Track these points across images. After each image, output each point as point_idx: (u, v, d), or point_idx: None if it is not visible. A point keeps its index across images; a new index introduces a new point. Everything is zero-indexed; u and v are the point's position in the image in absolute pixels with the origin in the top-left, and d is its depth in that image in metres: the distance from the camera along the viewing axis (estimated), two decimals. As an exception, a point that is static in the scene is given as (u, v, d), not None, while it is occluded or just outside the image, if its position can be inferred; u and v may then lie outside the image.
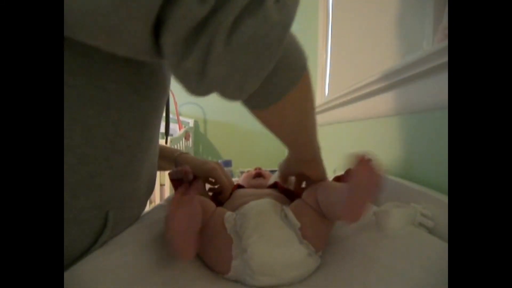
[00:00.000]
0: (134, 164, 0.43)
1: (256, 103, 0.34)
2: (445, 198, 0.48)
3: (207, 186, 0.71)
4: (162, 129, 0.59)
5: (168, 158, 0.72)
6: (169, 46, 0.25)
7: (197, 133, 3.13)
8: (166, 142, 0.73)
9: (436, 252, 0.39)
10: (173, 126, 2.36)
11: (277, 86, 0.32)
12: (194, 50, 0.25)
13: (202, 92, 0.28)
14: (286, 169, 0.60)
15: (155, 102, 0.44)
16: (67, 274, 0.33)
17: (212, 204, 0.52)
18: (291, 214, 0.46)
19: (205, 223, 0.48)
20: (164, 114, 0.56)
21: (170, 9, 0.23)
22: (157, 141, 0.54)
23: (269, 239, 0.42)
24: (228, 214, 0.48)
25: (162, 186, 1.81)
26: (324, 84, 1.60)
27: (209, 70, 0.26)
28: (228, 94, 0.30)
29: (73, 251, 0.38)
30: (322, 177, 0.54)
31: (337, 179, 0.54)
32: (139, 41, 0.25)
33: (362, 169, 0.39)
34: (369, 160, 0.40)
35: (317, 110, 1.52)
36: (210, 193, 0.70)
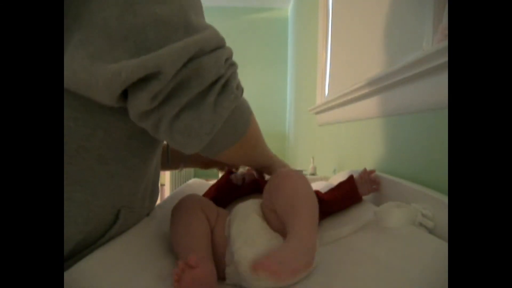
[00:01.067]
0: (146, 165, 0.46)
1: (204, 154, 0.42)
2: (445, 198, 0.48)
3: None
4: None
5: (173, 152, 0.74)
6: (130, 111, 0.34)
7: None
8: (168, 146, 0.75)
9: (436, 252, 0.39)
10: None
11: (215, 148, 0.41)
12: (147, 122, 0.35)
13: (158, 138, 0.38)
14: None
15: None
16: (67, 274, 0.33)
17: (214, 209, 0.51)
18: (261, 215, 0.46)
19: (212, 229, 0.47)
20: None
21: (131, 98, 0.32)
22: (162, 142, 0.56)
23: (252, 243, 0.41)
24: (228, 218, 0.48)
25: (162, 186, 1.82)
26: (324, 84, 1.60)
27: (158, 134, 0.36)
28: (177, 149, 0.38)
29: (84, 244, 0.39)
30: None
31: None
32: (108, 103, 0.33)
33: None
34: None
35: (317, 110, 1.52)
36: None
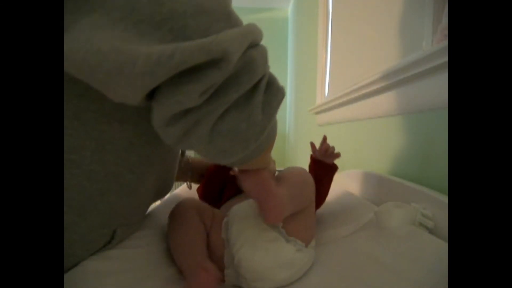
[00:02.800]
0: (143, 181, 0.41)
1: (224, 163, 0.36)
2: (445, 198, 0.48)
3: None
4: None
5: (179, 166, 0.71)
6: (157, 114, 0.27)
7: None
8: (182, 155, 0.73)
9: (436, 252, 0.39)
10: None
11: (246, 157, 0.34)
12: (180, 123, 0.28)
13: (177, 147, 0.33)
14: None
15: None
16: (67, 276, 0.33)
17: (209, 212, 0.51)
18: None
19: (208, 232, 0.47)
20: None
21: (172, 92, 0.25)
22: (173, 158, 0.51)
23: (252, 244, 0.41)
24: (225, 220, 0.48)
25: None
26: (324, 84, 1.60)
27: (187, 140, 0.29)
28: (202, 156, 0.33)
29: (70, 266, 0.36)
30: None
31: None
32: (130, 100, 0.27)
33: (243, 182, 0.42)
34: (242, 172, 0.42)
35: (317, 110, 1.52)
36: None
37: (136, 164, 0.38)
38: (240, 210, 0.48)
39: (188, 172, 0.72)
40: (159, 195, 0.51)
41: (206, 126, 0.28)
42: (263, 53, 0.30)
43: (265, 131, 0.31)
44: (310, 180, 0.51)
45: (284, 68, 3.12)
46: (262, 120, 0.30)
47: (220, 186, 0.64)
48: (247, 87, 0.28)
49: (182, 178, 0.74)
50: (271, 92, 0.31)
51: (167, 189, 0.53)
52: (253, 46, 0.29)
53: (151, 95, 0.27)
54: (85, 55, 0.24)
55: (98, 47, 0.23)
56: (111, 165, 0.35)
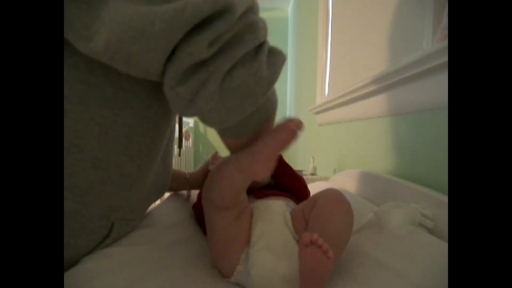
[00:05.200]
0: (143, 173, 0.42)
1: (230, 134, 0.38)
2: (445, 198, 0.48)
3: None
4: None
5: (179, 179, 0.73)
6: (170, 71, 0.29)
7: (197, 133, 3.13)
8: (179, 155, 0.74)
9: (436, 252, 0.39)
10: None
11: (251, 124, 0.36)
12: (190, 80, 0.29)
13: (186, 114, 0.33)
14: None
15: (168, 105, 0.44)
16: (67, 275, 0.33)
17: (247, 201, 0.47)
18: (290, 224, 0.44)
19: (235, 217, 0.44)
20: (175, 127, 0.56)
21: (183, 45, 0.27)
22: (171, 155, 0.52)
23: (273, 249, 0.40)
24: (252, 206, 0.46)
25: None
26: (324, 84, 1.60)
27: (198, 100, 0.30)
28: (208, 122, 0.34)
29: (71, 259, 0.36)
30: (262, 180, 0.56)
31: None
32: (152, 68, 0.29)
33: (307, 255, 0.34)
34: (314, 243, 0.34)
35: (317, 110, 1.52)
36: None
37: (136, 154, 0.39)
38: (268, 209, 0.46)
39: (187, 187, 0.75)
40: (157, 192, 0.51)
41: (216, 82, 0.30)
42: (264, 21, 0.33)
43: (271, 86, 0.33)
44: (352, 226, 0.44)
45: (284, 68, 3.11)
46: (268, 76, 0.32)
47: None
48: (251, 46, 0.30)
49: (180, 190, 0.76)
50: (274, 55, 0.34)
51: (164, 187, 0.53)
52: (253, 13, 0.31)
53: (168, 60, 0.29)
54: (115, 30, 0.26)
55: (121, 19, 0.26)
56: (113, 153, 0.36)
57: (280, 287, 0.39)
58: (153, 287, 0.37)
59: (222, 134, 0.39)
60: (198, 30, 0.27)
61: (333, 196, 0.45)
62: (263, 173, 0.40)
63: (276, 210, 0.46)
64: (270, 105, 0.37)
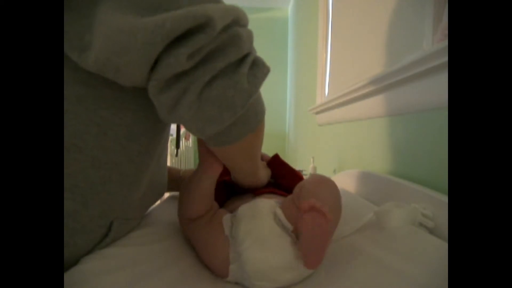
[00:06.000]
0: (143, 173, 0.43)
1: (212, 143, 0.39)
2: (445, 198, 0.48)
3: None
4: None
5: (173, 177, 0.72)
6: (153, 80, 0.30)
7: (197, 133, 3.12)
8: (176, 155, 0.75)
9: (436, 252, 0.39)
10: (173, 126, 2.36)
11: (232, 134, 0.37)
12: (171, 89, 0.30)
13: (169, 121, 0.34)
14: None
15: None
16: (67, 275, 0.33)
17: (216, 205, 0.52)
18: (282, 217, 0.45)
19: (206, 222, 0.48)
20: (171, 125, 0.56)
21: (164, 56, 0.29)
22: (165, 155, 0.54)
23: (261, 243, 0.41)
24: (226, 216, 0.48)
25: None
26: (324, 84, 1.60)
27: (179, 109, 0.31)
28: (191, 130, 0.35)
29: (70, 259, 0.37)
30: (256, 185, 0.59)
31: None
32: (138, 78, 0.30)
33: (308, 220, 0.37)
34: (314, 209, 0.37)
35: (317, 110, 1.52)
36: None
37: (135, 153, 0.40)
38: (250, 208, 0.47)
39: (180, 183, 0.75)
40: (156, 191, 0.52)
41: (195, 92, 0.30)
42: (249, 33, 0.33)
43: (250, 98, 0.33)
44: (341, 203, 0.48)
45: (284, 68, 3.12)
46: (248, 88, 0.32)
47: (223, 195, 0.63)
48: (233, 59, 0.31)
49: (175, 189, 0.76)
50: (257, 67, 0.34)
51: (163, 186, 0.54)
52: (240, 26, 0.32)
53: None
54: (102, 45, 0.28)
55: (108, 34, 0.28)
56: (112, 152, 0.37)
57: (277, 276, 0.40)
58: (153, 287, 0.37)
59: (206, 142, 0.40)
60: (178, 43, 0.28)
61: (318, 179, 0.49)
62: (215, 166, 0.46)
63: (262, 207, 0.47)
64: (254, 116, 0.37)
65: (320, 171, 1.39)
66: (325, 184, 0.48)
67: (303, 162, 1.96)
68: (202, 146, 0.47)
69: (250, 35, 0.33)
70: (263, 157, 0.69)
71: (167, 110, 0.32)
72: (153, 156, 0.44)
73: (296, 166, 2.09)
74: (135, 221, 0.49)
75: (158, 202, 0.65)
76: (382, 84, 0.76)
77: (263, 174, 0.59)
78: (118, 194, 0.39)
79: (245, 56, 0.33)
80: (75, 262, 0.37)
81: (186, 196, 0.49)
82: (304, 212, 0.37)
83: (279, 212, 0.46)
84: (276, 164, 0.66)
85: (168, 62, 0.28)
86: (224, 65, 0.31)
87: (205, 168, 0.48)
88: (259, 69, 0.34)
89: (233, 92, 0.31)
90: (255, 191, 0.59)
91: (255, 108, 0.37)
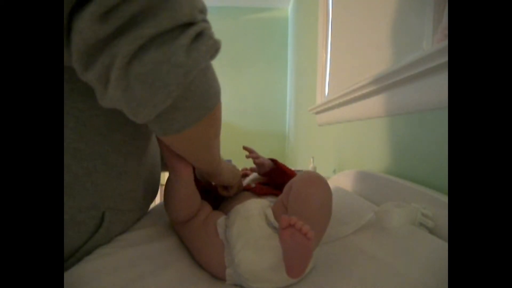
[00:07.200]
0: (132, 162, 0.42)
1: (156, 130, 0.33)
2: (445, 198, 0.48)
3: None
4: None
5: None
6: (73, 56, 0.26)
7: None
8: None
9: (436, 252, 0.39)
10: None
11: (176, 121, 0.31)
12: (95, 65, 0.25)
13: (107, 105, 0.29)
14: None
15: None
16: (67, 275, 0.33)
17: (208, 207, 0.52)
18: (272, 218, 0.45)
19: (199, 226, 0.47)
20: None
21: (73, 24, 0.24)
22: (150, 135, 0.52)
23: (253, 245, 0.41)
24: (221, 219, 0.48)
25: (162, 186, 1.82)
26: (324, 84, 1.60)
27: (108, 88, 0.26)
28: (128, 114, 0.30)
29: (66, 251, 0.37)
30: (227, 183, 0.56)
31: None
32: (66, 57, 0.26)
33: (285, 237, 0.35)
34: (293, 226, 0.35)
35: (317, 110, 1.52)
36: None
37: (121, 143, 0.39)
38: (242, 210, 0.47)
39: None
40: (150, 184, 0.51)
41: (119, 67, 0.25)
42: (201, 1, 0.28)
43: (189, 75, 0.27)
44: (331, 203, 0.46)
45: (284, 68, 3.12)
46: (186, 62, 0.26)
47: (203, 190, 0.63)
48: (166, 26, 0.25)
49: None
50: (202, 39, 0.28)
51: (157, 179, 0.54)
52: None
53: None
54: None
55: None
56: (94, 143, 0.37)
57: (271, 276, 0.40)
58: (153, 287, 0.37)
59: (152, 130, 0.34)
60: (85, 4, 0.23)
61: (308, 177, 0.45)
62: (184, 170, 0.43)
63: (253, 208, 0.47)
64: (201, 99, 0.31)
65: (320, 171, 1.39)
66: (315, 187, 0.44)
67: (303, 162, 1.96)
68: (168, 150, 0.41)
69: (193, 1, 0.27)
70: (261, 160, 0.68)
71: (99, 93, 0.27)
72: (142, 146, 0.44)
73: (296, 166, 2.08)
74: (132, 213, 0.48)
75: (159, 200, 0.65)
76: (382, 84, 0.76)
77: (226, 169, 0.54)
78: (106, 184, 0.39)
79: (187, 26, 0.27)
80: (71, 254, 0.37)
81: (168, 203, 0.48)
82: (282, 229, 0.35)
83: (269, 213, 0.46)
84: (278, 173, 0.66)
85: (77, 27, 0.24)
86: (154, 32, 0.25)
87: (175, 174, 0.44)
88: (203, 42, 0.28)
89: (167, 68, 0.26)
90: (260, 191, 0.59)
91: (203, 90, 0.30)
